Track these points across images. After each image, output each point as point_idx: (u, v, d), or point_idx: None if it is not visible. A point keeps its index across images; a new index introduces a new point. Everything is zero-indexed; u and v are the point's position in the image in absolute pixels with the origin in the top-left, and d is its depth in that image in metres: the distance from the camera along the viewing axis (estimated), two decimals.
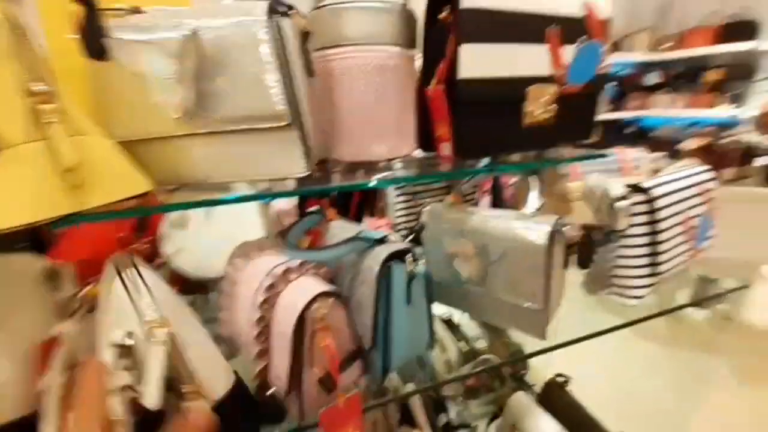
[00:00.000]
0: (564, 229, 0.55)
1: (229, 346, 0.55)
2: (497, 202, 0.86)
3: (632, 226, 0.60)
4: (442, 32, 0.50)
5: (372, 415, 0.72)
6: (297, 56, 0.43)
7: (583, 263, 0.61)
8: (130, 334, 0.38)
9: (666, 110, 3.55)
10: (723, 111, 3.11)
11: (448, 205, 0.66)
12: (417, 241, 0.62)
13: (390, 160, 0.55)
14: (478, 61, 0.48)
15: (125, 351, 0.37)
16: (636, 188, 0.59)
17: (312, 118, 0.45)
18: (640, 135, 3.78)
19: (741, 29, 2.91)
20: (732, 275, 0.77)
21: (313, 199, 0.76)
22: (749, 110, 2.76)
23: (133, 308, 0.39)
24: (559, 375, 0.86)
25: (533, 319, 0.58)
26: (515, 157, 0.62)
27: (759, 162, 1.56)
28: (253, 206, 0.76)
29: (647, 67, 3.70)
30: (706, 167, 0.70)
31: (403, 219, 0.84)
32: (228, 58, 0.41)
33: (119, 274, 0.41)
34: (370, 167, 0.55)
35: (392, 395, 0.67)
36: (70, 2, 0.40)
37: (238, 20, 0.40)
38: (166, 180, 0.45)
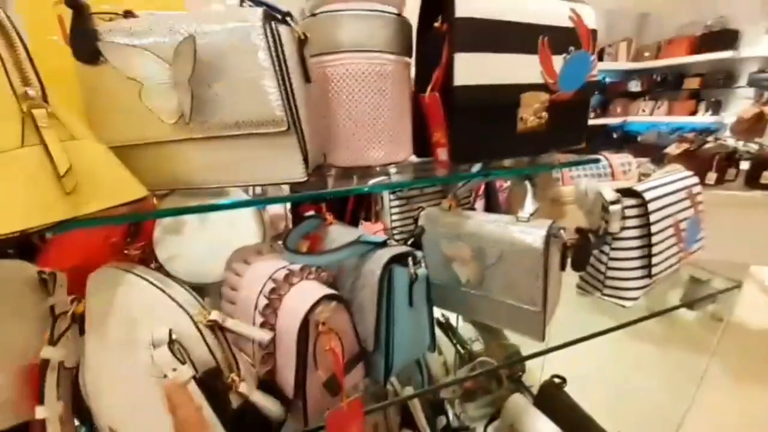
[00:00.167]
0: (561, 232, 0.56)
1: None
2: (490, 206, 0.87)
3: (625, 229, 0.61)
4: (436, 40, 0.51)
5: (372, 418, 0.71)
6: (294, 62, 0.43)
7: (579, 266, 0.62)
8: (171, 331, 0.38)
9: (648, 116, 3.66)
10: (704, 117, 3.22)
11: (445, 209, 0.66)
12: (417, 245, 0.63)
13: (386, 165, 0.56)
14: (473, 68, 0.49)
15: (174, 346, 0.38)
16: (629, 192, 0.61)
17: (309, 124, 0.46)
18: (625, 140, 3.88)
19: (719, 39, 3.03)
20: (720, 276, 0.79)
21: (308, 204, 0.76)
22: (729, 116, 2.86)
23: (172, 301, 0.40)
24: (556, 376, 0.87)
25: (531, 322, 0.58)
26: (507, 162, 0.63)
27: (741, 167, 1.61)
28: (247, 211, 0.75)
29: (629, 74, 3.81)
30: (691, 172, 0.72)
31: (399, 223, 0.84)
32: (224, 64, 0.40)
33: (133, 274, 0.42)
34: (365, 172, 0.55)
35: (392, 398, 0.67)
36: (54, 4, 0.39)
37: (235, 26, 0.40)
38: (161, 185, 0.44)
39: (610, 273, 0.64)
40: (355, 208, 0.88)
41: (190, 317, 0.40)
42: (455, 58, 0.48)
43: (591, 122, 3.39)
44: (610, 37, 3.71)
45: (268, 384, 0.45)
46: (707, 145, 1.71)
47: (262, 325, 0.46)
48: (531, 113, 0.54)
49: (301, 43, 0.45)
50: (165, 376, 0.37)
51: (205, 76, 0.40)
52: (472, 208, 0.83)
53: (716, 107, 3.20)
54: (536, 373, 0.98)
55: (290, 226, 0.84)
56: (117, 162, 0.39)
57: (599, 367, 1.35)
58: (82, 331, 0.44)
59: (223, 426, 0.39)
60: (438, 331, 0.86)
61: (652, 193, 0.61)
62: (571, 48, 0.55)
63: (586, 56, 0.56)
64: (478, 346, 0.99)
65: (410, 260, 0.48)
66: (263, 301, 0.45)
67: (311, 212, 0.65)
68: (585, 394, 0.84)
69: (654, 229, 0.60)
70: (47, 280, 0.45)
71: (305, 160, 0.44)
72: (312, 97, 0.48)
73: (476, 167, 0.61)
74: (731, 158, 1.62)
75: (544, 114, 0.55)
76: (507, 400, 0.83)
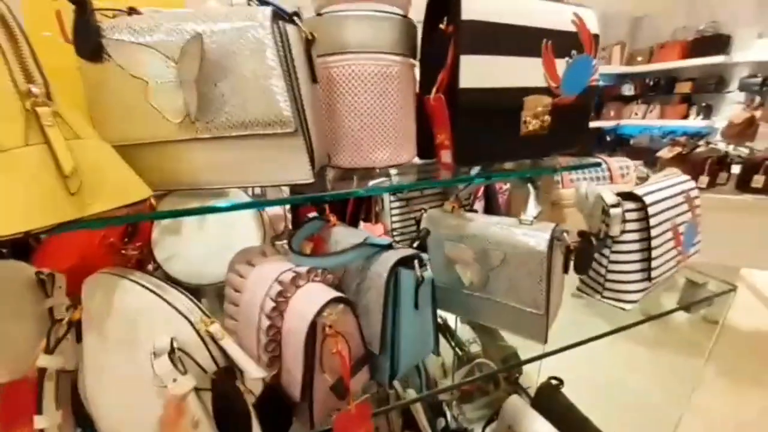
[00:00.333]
0: (564, 235, 0.56)
1: None
2: (490, 208, 0.87)
3: (625, 232, 0.62)
4: (441, 42, 0.51)
5: (375, 421, 0.71)
6: (302, 62, 0.43)
7: (582, 269, 0.62)
8: (173, 340, 0.37)
9: (641, 120, 3.72)
10: (696, 121, 3.28)
11: (447, 211, 0.66)
12: (422, 247, 0.62)
13: (390, 166, 0.56)
14: (478, 71, 0.50)
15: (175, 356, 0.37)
16: (630, 196, 0.61)
17: (315, 125, 0.45)
18: (618, 143, 3.93)
19: (711, 43, 3.08)
20: (714, 279, 0.80)
21: (309, 206, 0.75)
22: (720, 120, 2.91)
23: (171, 308, 0.39)
24: (553, 378, 0.88)
25: (534, 324, 0.59)
26: (509, 164, 0.64)
27: (732, 171, 1.64)
28: (247, 211, 0.74)
29: (623, 78, 3.87)
30: (688, 177, 0.73)
31: (399, 225, 0.84)
32: (231, 63, 0.40)
33: (129, 280, 0.40)
34: (365, 173, 0.55)
35: (394, 400, 0.67)
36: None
37: (242, 25, 0.40)
38: (165, 186, 0.44)
39: (610, 276, 0.65)
40: (355, 209, 0.87)
41: (191, 324, 0.39)
42: (461, 60, 0.48)
43: None
44: (604, 41, 3.76)
45: (273, 386, 0.45)
46: (699, 149, 1.74)
47: (269, 328, 0.45)
48: (534, 116, 0.55)
49: (309, 43, 0.44)
50: (165, 386, 0.36)
51: (212, 75, 0.40)
52: (472, 210, 0.83)
53: (707, 111, 3.26)
54: (533, 375, 0.99)
55: (290, 226, 0.84)
56: (122, 162, 0.38)
57: (596, 369, 1.37)
58: (79, 338, 0.43)
59: None
60: None
61: (651, 197, 0.62)
62: (574, 52, 0.55)
63: (589, 60, 0.57)
64: (475, 348, 1.00)
65: (416, 263, 0.48)
66: (270, 304, 0.45)
67: (313, 213, 0.64)
68: (582, 395, 0.85)
69: (654, 232, 0.61)
70: (45, 281, 0.44)
71: (312, 161, 0.44)
72: (317, 97, 0.48)
73: (475, 170, 0.61)
74: (723, 162, 1.65)
75: (547, 117, 0.56)
76: (505, 402, 0.84)
